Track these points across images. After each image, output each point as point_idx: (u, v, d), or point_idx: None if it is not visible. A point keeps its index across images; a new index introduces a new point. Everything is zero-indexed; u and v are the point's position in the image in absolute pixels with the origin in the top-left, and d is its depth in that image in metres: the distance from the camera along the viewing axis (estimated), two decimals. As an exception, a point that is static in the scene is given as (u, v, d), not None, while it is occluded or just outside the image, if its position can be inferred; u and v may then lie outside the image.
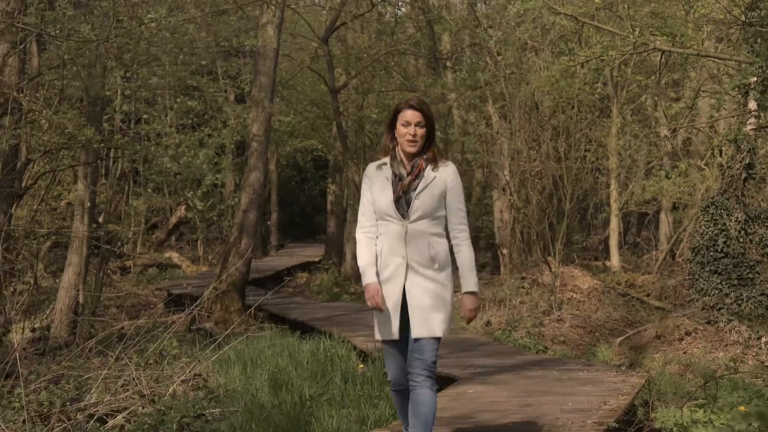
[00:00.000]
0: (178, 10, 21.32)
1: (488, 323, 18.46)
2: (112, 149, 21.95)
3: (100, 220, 22.89)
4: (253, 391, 11.19)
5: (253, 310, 17.46)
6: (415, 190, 6.66)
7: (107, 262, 23.00)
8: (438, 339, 6.75)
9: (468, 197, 31.39)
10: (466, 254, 6.75)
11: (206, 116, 33.02)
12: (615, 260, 23.39)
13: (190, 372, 10.89)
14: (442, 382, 12.23)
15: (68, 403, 9.07)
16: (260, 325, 19.32)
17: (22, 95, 15.11)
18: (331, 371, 12.82)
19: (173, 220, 35.36)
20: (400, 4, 30.72)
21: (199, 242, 34.54)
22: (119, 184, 29.48)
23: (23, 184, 16.91)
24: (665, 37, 16.41)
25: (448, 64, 29.37)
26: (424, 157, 6.75)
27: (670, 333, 17.24)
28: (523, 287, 20.32)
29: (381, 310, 6.68)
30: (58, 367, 11.29)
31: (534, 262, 21.94)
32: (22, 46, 15.43)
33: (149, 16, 16.31)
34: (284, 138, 35.41)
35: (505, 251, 23.99)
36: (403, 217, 6.65)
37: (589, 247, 27.62)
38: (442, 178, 6.72)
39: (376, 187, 6.75)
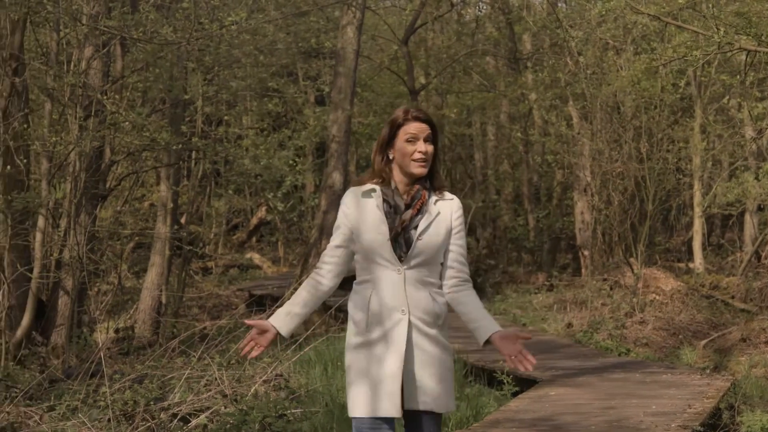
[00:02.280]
0: (258, 11, 21.45)
1: (569, 325, 18.33)
2: (194, 151, 22.13)
3: (183, 221, 23.08)
4: (333, 392, 11.20)
5: (333, 310, 17.49)
6: (416, 227, 5.14)
7: (189, 263, 23.20)
8: (440, 416, 5.24)
9: (549, 198, 31.22)
10: (476, 301, 5.25)
11: (286, 118, 33.18)
12: (698, 262, 23.07)
13: (271, 372, 10.94)
14: (523, 383, 12.17)
15: (152, 403, 9.15)
16: (341, 326, 19.36)
17: (105, 97, 15.29)
18: (411, 372, 12.78)
19: (254, 221, 35.57)
20: (480, 4, 30.63)
21: (279, 243, 34.71)
22: (201, 185, 29.72)
23: (107, 186, 17.12)
24: (750, 36, 16.15)
25: (529, 64, 29.21)
26: (427, 185, 5.26)
27: (756, 336, 16.97)
28: (604, 289, 20.15)
29: (251, 356, 5.24)
30: (141, 366, 11.41)
31: (616, 263, 21.75)
32: (105, 49, 15.62)
33: (230, 18, 16.41)
34: (364, 140, 35.48)
35: (586, 253, 23.80)
36: (401, 261, 5.10)
37: (672, 248, 27.28)
38: (447, 213, 5.25)
39: (362, 220, 5.20)
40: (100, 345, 13.10)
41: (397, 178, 5.27)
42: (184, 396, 9.50)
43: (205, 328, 15.12)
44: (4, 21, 14.09)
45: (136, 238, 25.21)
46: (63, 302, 15.02)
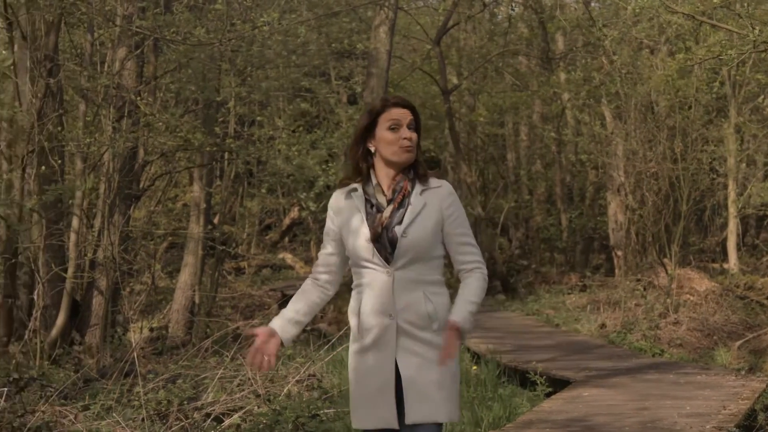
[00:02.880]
0: (290, 12, 21.48)
1: (603, 326, 18.25)
2: (227, 151, 22.19)
3: (216, 221, 23.13)
4: (366, 392, 11.18)
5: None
6: (400, 223, 4.74)
7: (222, 263, 23.26)
8: (440, 426, 4.85)
9: (581, 198, 31.10)
10: (472, 283, 4.82)
11: (318, 118, 33.21)
12: (733, 262, 22.93)
13: (304, 372, 10.95)
14: (557, 384, 12.13)
15: (185, 402, 9.18)
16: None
17: (139, 98, 15.34)
18: (445, 373, 12.75)
19: (286, 221, 35.64)
20: (513, 4, 30.55)
21: (312, 243, 34.72)
22: (234, 185, 29.79)
23: (141, 186, 17.19)
24: (786, 34, 16.03)
25: (561, 63, 29.11)
26: (410, 175, 4.85)
27: (792, 337, 16.86)
28: (638, 289, 20.06)
29: (264, 369, 4.88)
30: (175, 366, 11.46)
31: (649, 264, 21.65)
32: (139, 50, 15.68)
33: (262, 19, 16.44)
34: (396, 139, 35.38)
35: (619, 253, 23.70)
36: (388, 263, 4.73)
37: (706, 249, 27.12)
38: (435, 202, 4.80)
39: (346, 223, 4.88)
40: (134, 345, 13.14)
41: (381, 172, 4.88)
42: (218, 396, 9.52)
43: (237, 328, 15.16)
44: (39, 22, 14.17)
45: (170, 238, 25.30)
46: (97, 302, 15.09)
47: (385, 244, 4.74)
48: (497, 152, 33.84)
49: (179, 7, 15.79)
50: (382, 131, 4.83)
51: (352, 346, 4.90)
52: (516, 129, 33.24)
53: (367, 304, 4.81)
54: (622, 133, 22.65)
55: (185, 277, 19.27)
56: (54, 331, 13.93)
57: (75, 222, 14.60)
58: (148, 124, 15.95)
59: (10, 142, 15.08)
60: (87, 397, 9.80)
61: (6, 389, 9.40)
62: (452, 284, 4.71)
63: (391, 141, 4.81)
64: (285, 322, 4.90)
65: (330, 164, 29.19)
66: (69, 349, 13.83)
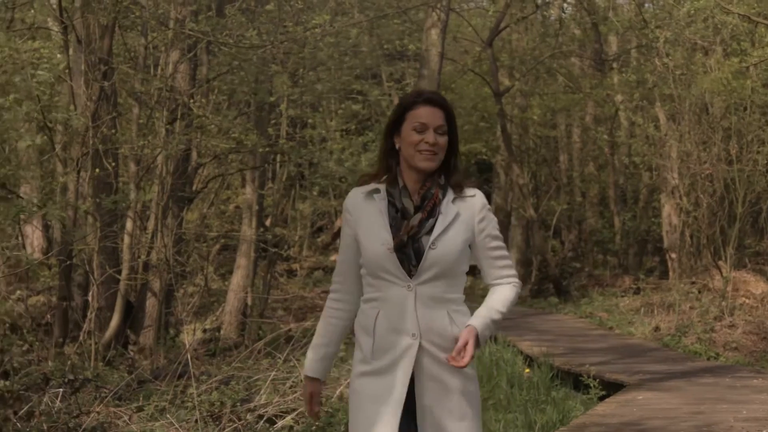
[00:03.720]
0: (342, 14, 21.51)
1: (657, 329, 18.11)
2: (279, 154, 22.27)
3: (268, 223, 23.23)
4: (419, 395, 11.16)
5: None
6: (429, 233, 4.27)
7: (274, 265, 23.34)
8: None
9: (635, 200, 30.89)
10: (503, 292, 4.44)
11: (370, 120, 33.25)
12: (789, 265, 22.67)
13: (356, 374, 10.93)
14: (610, 387, 12.04)
15: (238, 404, 9.20)
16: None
17: (192, 101, 15.42)
18: (497, 375, 12.74)
19: (338, 223, 35.67)
20: (565, 5, 30.42)
21: (363, 245, 34.77)
22: (286, 188, 29.88)
23: (194, 188, 17.27)
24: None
25: (614, 65, 28.94)
26: (441, 182, 4.39)
27: None
28: (692, 292, 19.89)
29: (316, 417, 4.62)
30: (228, 367, 11.49)
31: (704, 266, 21.45)
32: (192, 53, 15.76)
33: (314, 21, 16.47)
34: (448, 142, 35.34)
35: (673, 255, 23.49)
36: (410, 276, 4.24)
37: (762, 251, 26.80)
38: (468, 214, 4.35)
39: (364, 227, 4.36)
40: (187, 346, 13.21)
41: (406, 174, 4.39)
42: (270, 397, 9.53)
43: (290, 329, 15.17)
44: (94, 26, 14.28)
45: (222, 241, 25.39)
46: (151, 304, 15.18)
47: (409, 254, 4.26)
48: (549, 154, 33.70)
49: (232, 10, 15.85)
50: (407, 130, 4.36)
51: (359, 368, 4.37)
52: (568, 131, 33.09)
53: (385, 322, 4.29)
54: (676, 134, 22.46)
55: (238, 279, 19.35)
56: (108, 333, 14.03)
57: (129, 224, 14.70)
58: (201, 126, 16.03)
59: (65, 145, 15.23)
60: (141, 398, 9.86)
61: (61, 390, 9.48)
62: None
63: (412, 143, 4.32)
64: (319, 362, 4.51)
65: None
66: (123, 351, 13.93)
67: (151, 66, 16.02)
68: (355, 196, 4.47)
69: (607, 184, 30.67)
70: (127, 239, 14.59)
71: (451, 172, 4.41)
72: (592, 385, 11.70)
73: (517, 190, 28.56)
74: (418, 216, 4.30)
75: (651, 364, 13.99)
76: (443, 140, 4.34)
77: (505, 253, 4.48)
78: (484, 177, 41.04)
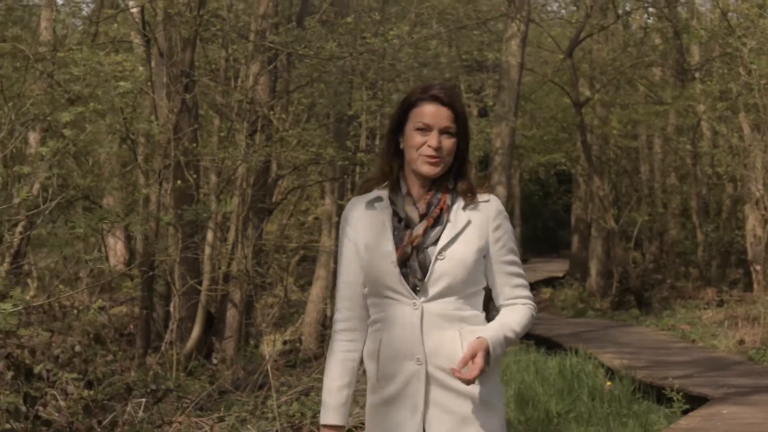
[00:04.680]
0: (421, 25, 21.50)
1: (741, 342, 17.81)
2: (358, 165, 22.32)
3: (347, 234, 23.29)
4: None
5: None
6: (435, 244, 3.79)
7: (353, 276, 23.37)
8: None
9: (718, 211, 30.47)
10: (518, 311, 3.92)
11: (449, 132, 33.17)
12: None
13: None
14: (694, 401, 11.86)
15: (319, 415, 9.19)
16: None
17: (272, 113, 15.50)
18: (578, 388, 12.64)
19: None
20: (647, 14, 30.14)
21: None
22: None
23: (273, 200, 17.36)
24: None
25: (697, 74, 28.58)
26: (450, 186, 3.91)
27: None
28: (778, 304, 19.55)
29: None
30: (308, 379, 11.49)
31: (790, 279, 21.10)
32: (272, 65, 15.85)
33: (393, 32, 16.49)
34: (527, 152, 35.25)
35: (758, 267, 23.12)
36: (416, 292, 3.76)
37: None
38: (482, 221, 3.86)
39: (365, 240, 3.88)
40: (267, 357, 13.24)
41: (410, 179, 3.91)
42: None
43: (369, 341, 15.14)
44: (176, 39, 14.43)
45: (302, 252, 25.49)
46: (231, 314, 15.27)
47: (414, 268, 3.77)
48: (630, 165, 33.38)
49: (311, 22, 15.92)
50: (409, 130, 3.87)
51: (370, 398, 3.94)
52: (650, 141, 32.74)
53: (388, 346, 3.80)
54: (761, 144, 22.12)
55: (317, 290, 19.40)
56: (189, 343, 14.13)
57: (209, 235, 14.80)
58: (280, 138, 16.11)
59: (146, 157, 15.39)
60: (222, 409, 9.90)
61: (144, 400, 9.55)
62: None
63: (413, 145, 3.83)
64: (341, 410, 3.95)
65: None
66: (204, 361, 14.01)
67: (232, 78, 16.13)
68: (356, 206, 3.98)
69: (689, 195, 30.28)
70: (208, 250, 14.70)
71: (462, 178, 3.93)
72: (675, 398, 11.53)
73: (597, 201, 28.31)
74: (423, 224, 3.81)
75: (736, 378, 13.77)
76: (449, 143, 3.85)
77: (520, 270, 3.97)
78: (563, 188, 40.86)
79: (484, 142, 29.95)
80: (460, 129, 3.88)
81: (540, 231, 43.63)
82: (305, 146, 16.76)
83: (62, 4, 18.09)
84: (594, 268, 29.92)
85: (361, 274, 3.89)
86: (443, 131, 3.83)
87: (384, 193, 3.93)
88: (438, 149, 3.80)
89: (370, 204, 3.93)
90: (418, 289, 3.77)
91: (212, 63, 17.15)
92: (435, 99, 3.85)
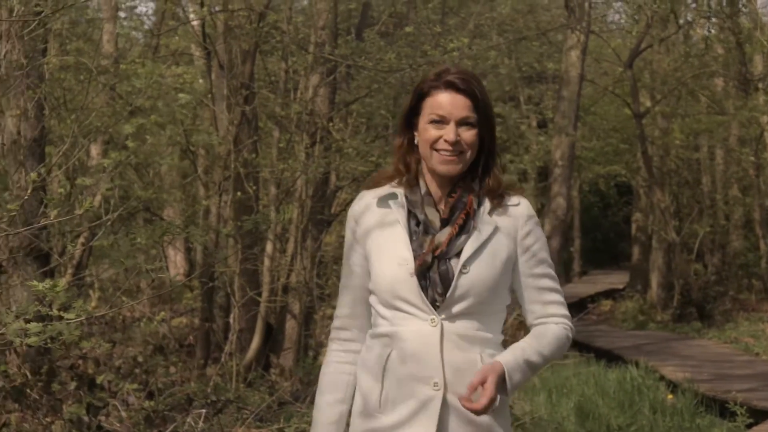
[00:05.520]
0: (480, 37, 21.46)
1: (807, 353, 17.60)
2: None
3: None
4: (559, 420, 11.03)
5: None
6: (459, 254, 3.33)
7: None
8: None
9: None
10: (550, 331, 3.47)
11: (508, 143, 33.14)
12: None
13: (496, 399, 10.82)
14: (758, 415, 11.71)
15: None
16: (565, 352, 19.14)
17: (331, 124, 15.53)
18: (639, 401, 12.51)
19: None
20: (709, 25, 29.88)
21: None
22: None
23: (332, 211, 17.37)
24: None
25: (760, 85, 28.27)
26: (475, 186, 3.42)
27: None
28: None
29: None
30: (366, 390, 11.46)
31: None
32: (331, 77, 15.88)
33: (452, 44, 16.46)
34: (587, 164, 35.07)
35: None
36: (435, 307, 3.30)
37: None
38: (510, 227, 3.40)
39: (376, 241, 3.42)
40: (326, 368, 13.24)
41: (428, 177, 3.44)
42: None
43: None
44: (236, 51, 14.52)
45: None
46: (290, 326, 15.29)
47: (435, 281, 3.31)
48: (692, 176, 33.07)
49: (371, 34, 15.94)
50: (423, 123, 3.40)
51: (362, 424, 3.43)
52: (711, 152, 32.44)
53: (399, 365, 3.33)
54: (825, 155, 21.87)
55: (376, 301, 19.38)
56: (249, 355, 14.17)
57: (269, 247, 14.84)
58: (339, 149, 16.13)
59: (207, 168, 15.48)
60: (282, 420, 9.91)
61: (204, 411, 9.58)
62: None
63: (428, 140, 3.37)
64: (334, 428, 3.52)
65: (521, 186, 29.09)
66: (263, 373, 14.04)
67: (291, 90, 16.19)
68: (365, 201, 3.50)
69: (752, 206, 29.96)
70: (267, 262, 14.73)
71: (488, 176, 3.44)
72: (739, 412, 11.36)
73: (658, 212, 28.06)
74: (447, 231, 3.35)
75: (801, 391, 13.59)
76: (469, 135, 3.36)
77: (555, 284, 3.48)
78: (623, 199, 40.57)
79: (543, 153, 29.90)
80: (481, 118, 3.39)
81: (600, 243, 43.35)
82: (364, 157, 16.75)
83: (124, 18, 18.29)
84: (655, 280, 29.66)
85: (368, 279, 3.45)
86: (461, 122, 3.35)
87: (399, 190, 3.45)
88: (455, 143, 3.33)
89: (384, 201, 3.45)
90: (437, 304, 3.31)
91: (272, 75, 17.22)
92: (450, 86, 3.36)
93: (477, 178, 3.42)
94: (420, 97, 3.40)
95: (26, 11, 6.52)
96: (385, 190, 3.45)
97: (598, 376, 14.34)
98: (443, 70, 3.38)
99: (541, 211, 29.24)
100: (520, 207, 3.42)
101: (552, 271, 3.47)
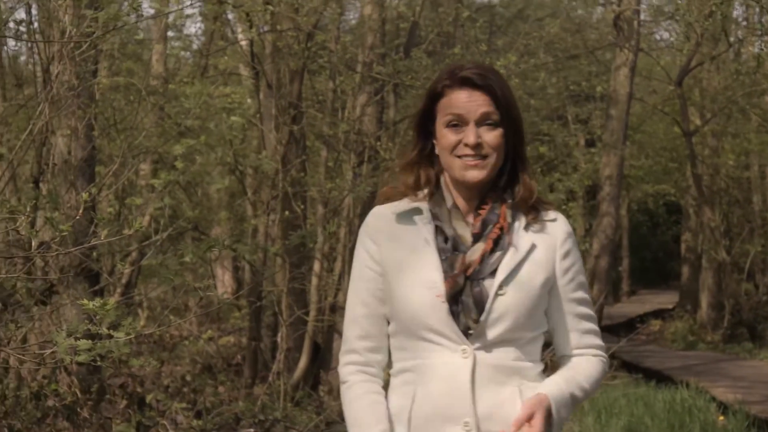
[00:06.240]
0: (528, 55, 21.41)
1: None
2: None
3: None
4: (608, 441, 10.95)
5: (606, 357, 17.18)
6: (493, 273, 2.94)
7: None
8: None
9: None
10: (588, 365, 3.14)
11: (556, 161, 33.01)
12: None
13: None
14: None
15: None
16: (614, 373, 18.98)
17: (378, 143, 15.54)
18: (689, 423, 12.37)
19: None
20: (760, 43, 29.67)
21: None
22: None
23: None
24: None
25: (810, 102, 28.05)
26: (507, 197, 3.03)
27: None
28: None
29: None
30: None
31: None
32: (378, 95, 15.90)
33: (499, 62, 16.44)
34: (636, 182, 34.87)
35: None
36: (467, 336, 2.92)
37: None
38: (548, 246, 3.03)
39: (398, 264, 3.00)
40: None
41: (454, 188, 3.05)
42: None
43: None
44: (284, 71, 14.58)
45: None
46: (337, 345, 15.26)
47: (468, 305, 2.91)
48: (742, 195, 32.78)
49: (418, 53, 15.94)
50: (440, 128, 3.04)
51: None
52: (762, 171, 32.14)
53: (424, 404, 2.96)
54: None
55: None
56: (296, 374, 14.18)
57: (316, 266, 14.85)
58: (387, 168, 16.13)
59: (255, 188, 15.53)
60: (329, 440, 9.91)
61: (252, 430, 9.59)
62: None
63: (447, 147, 2.99)
64: None
65: (569, 205, 28.96)
66: (311, 392, 14.04)
67: (339, 109, 16.22)
68: (382, 218, 3.12)
69: (803, 225, 29.70)
70: (314, 281, 14.74)
71: (520, 185, 3.04)
72: (792, 435, 11.26)
73: (708, 232, 27.83)
74: (480, 248, 2.94)
75: None
76: (493, 136, 2.96)
77: (591, 311, 3.14)
78: (672, 219, 40.32)
79: (592, 172, 29.75)
80: (504, 116, 2.99)
81: (649, 262, 43.08)
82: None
83: (174, 38, 18.42)
84: (705, 300, 29.38)
85: (386, 306, 3.04)
86: (482, 121, 2.96)
87: (423, 204, 3.06)
88: (477, 146, 2.94)
89: (405, 216, 3.06)
90: (470, 332, 2.92)
91: (319, 94, 17.27)
92: (466, 82, 2.97)
93: (507, 187, 3.04)
94: (434, 98, 3.05)
95: (78, 33, 6.58)
96: (405, 204, 3.09)
97: (648, 397, 14.21)
98: (457, 66, 3.03)
99: (589, 231, 29.12)
100: (558, 223, 3.05)
101: (589, 297, 3.14)
